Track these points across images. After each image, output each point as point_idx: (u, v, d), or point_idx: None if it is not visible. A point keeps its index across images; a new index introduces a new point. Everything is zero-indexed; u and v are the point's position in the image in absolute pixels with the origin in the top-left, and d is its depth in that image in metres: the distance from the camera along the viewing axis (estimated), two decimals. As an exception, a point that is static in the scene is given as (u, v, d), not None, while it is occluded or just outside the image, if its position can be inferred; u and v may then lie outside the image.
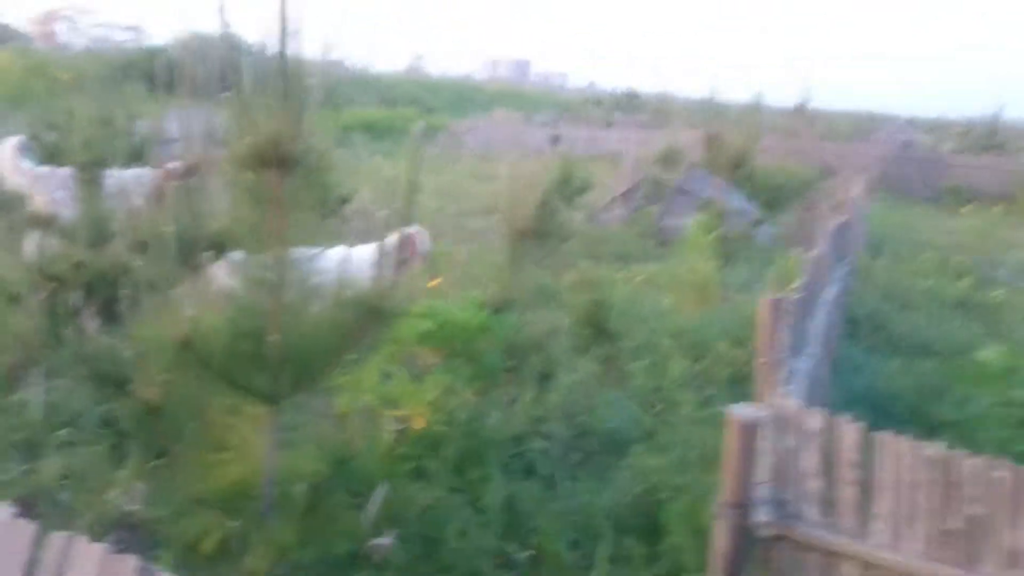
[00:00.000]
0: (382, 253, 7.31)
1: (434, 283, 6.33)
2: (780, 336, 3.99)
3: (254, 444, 3.34)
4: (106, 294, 6.96)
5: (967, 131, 39.57)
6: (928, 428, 5.64)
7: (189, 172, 5.46)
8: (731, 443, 2.51)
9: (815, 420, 2.55)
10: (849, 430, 2.47)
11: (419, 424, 4.17)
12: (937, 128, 46.43)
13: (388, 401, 4.29)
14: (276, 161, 3.19)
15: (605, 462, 5.11)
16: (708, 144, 12.54)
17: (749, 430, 2.48)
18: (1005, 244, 15.01)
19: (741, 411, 2.52)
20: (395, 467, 4.05)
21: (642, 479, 4.42)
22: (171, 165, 11.02)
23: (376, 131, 27.37)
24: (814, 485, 2.56)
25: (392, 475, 4.06)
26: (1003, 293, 10.27)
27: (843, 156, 23.11)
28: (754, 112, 14.43)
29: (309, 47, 3.19)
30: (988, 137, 29.36)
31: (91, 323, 6.00)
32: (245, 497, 3.31)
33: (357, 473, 3.67)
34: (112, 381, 5.30)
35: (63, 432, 4.99)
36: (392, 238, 7.45)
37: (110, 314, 6.60)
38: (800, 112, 26.79)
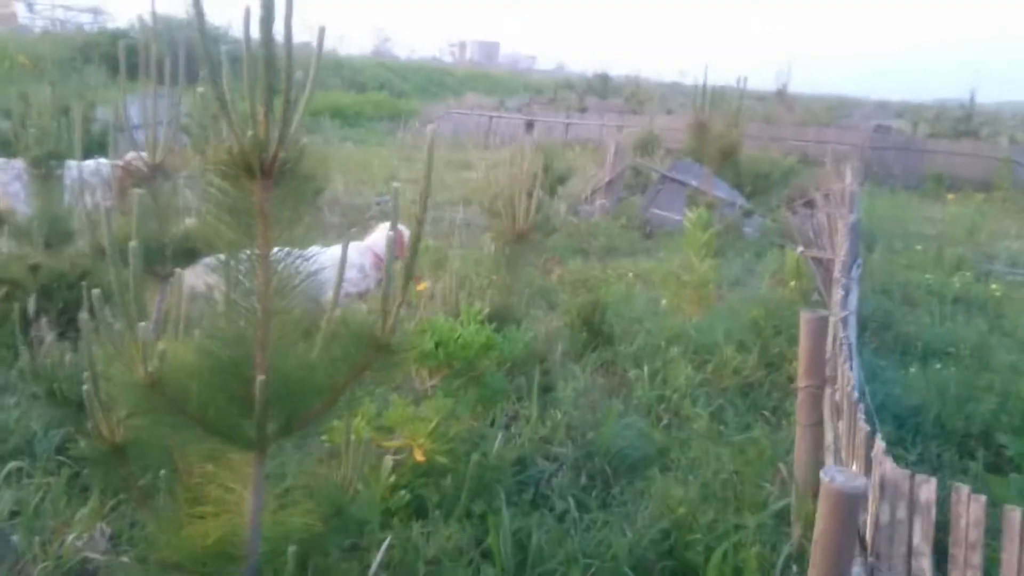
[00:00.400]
0: (371, 254, 6.85)
1: (421, 287, 5.86)
2: (822, 358, 3.58)
3: (237, 497, 2.86)
4: (65, 299, 6.43)
5: (938, 115, 39.66)
6: (960, 445, 5.29)
7: (155, 170, 4.94)
8: (826, 517, 2.10)
9: (927, 490, 2.14)
10: (972, 504, 2.05)
11: (419, 457, 3.72)
12: (907, 112, 46.49)
13: (383, 430, 3.84)
14: (261, 170, 2.70)
15: (616, 487, 4.70)
16: (695, 132, 12.13)
17: (850, 503, 2.06)
18: (993, 234, 14.80)
19: (838, 478, 2.10)
20: (394, 508, 3.61)
21: (664, 512, 3.99)
22: (131, 156, 10.42)
23: (345, 116, 26.75)
24: (924, 565, 2.15)
25: (391, 516, 3.62)
26: (1001, 286, 9.97)
27: (822, 142, 22.86)
28: (738, 98, 14.00)
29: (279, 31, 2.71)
30: (964, 122, 29.23)
31: (48, 332, 5.46)
32: (226, 558, 2.84)
33: (354, 521, 3.22)
34: (72, 401, 4.79)
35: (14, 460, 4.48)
36: (378, 236, 7.01)
37: (69, 322, 6.08)
38: (780, 97, 26.47)
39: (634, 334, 7.10)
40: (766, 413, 5.75)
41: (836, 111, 37.14)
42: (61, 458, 4.53)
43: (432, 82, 42.01)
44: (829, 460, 2.95)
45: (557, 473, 4.73)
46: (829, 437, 3.17)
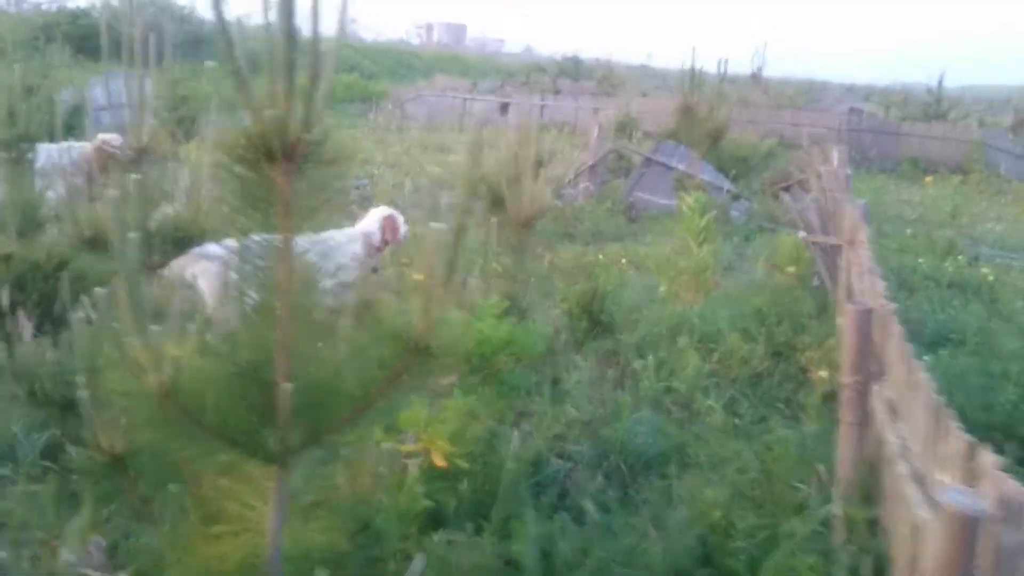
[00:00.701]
0: (363, 240, 6.56)
1: (421, 276, 5.58)
2: (868, 352, 3.38)
3: (257, 513, 2.60)
4: (40, 291, 6.08)
5: (905, 98, 39.84)
6: (985, 438, 5.12)
7: (140, 154, 4.61)
8: (947, 544, 1.88)
9: (1060, 512, 1.93)
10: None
11: (439, 462, 3.48)
12: (873, 95, 46.62)
13: (394, 432, 3.58)
14: (284, 153, 2.42)
15: (635, 486, 4.49)
16: (682, 114, 11.91)
17: (973, 527, 1.85)
18: (974, 216, 14.79)
19: (959, 499, 1.88)
20: (410, 515, 3.36)
21: (696, 515, 3.76)
22: (105, 137, 10.03)
23: (316, 98, 26.17)
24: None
25: (407, 524, 3.38)
26: (991, 270, 9.88)
27: (797, 125, 22.80)
28: (719, 81, 13.80)
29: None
30: (934, 105, 29.28)
31: (26, 328, 5.12)
32: (245, 582, 2.58)
33: (379, 535, 2.97)
34: (55, 402, 4.48)
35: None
36: (370, 222, 6.72)
37: (44, 315, 5.74)
38: (755, 80, 26.30)
39: (634, 323, 6.89)
40: (780, 405, 5.56)
41: (807, 94, 37.17)
42: (47, 463, 4.23)
43: (401, 64, 41.47)
44: (900, 467, 2.74)
45: (572, 473, 4.51)
46: (891, 440, 2.96)
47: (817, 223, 8.39)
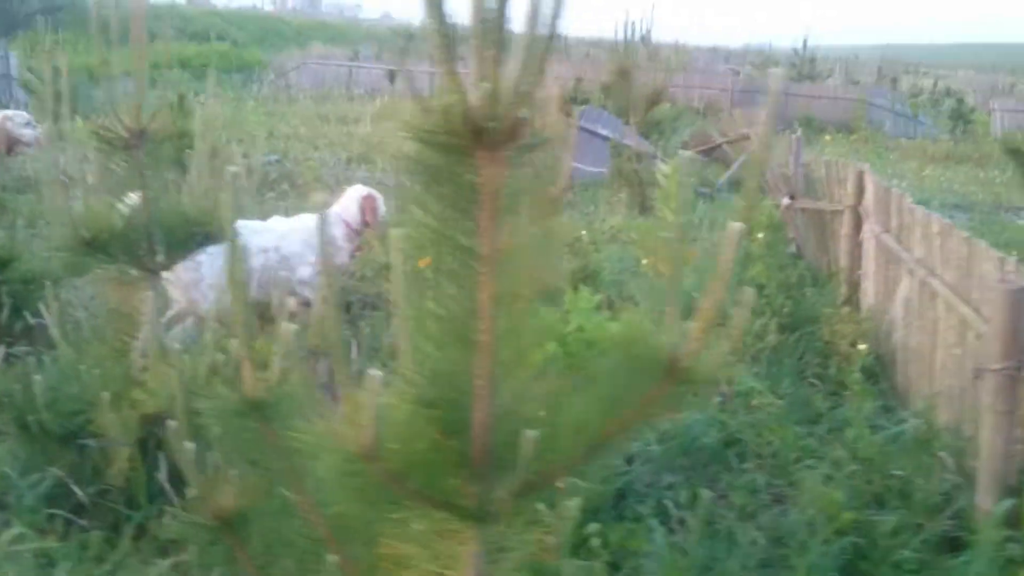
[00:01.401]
0: (338, 222, 5.95)
1: (424, 261, 5.06)
2: (1019, 335, 3.12)
3: (449, 582, 2.11)
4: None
5: (767, 59, 40.93)
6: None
7: (139, 137, 3.84)
8: None
9: None
10: None
11: (560, 483, 3.04)
12: (732, 57, 47.73)
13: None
14: (494, 137, 1.89)
15: (703, 482, 4.17)
16: (619, 79, 11.59)
17: None
18: (884, 175, 15.11)
19: None
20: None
21: (824, 519, 3.44)
22: (7, 113, 8.99)
23: (192, 68, 24.71)
24: None
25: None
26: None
27: (690, 88, 22.96)
28: (629, 45, 13.53)
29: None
30: (808, 65, 30.14)
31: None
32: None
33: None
34: (56, 435, 3.78)
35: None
36: (348, 202, 6.10)
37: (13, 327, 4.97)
38: (644, 44, 26.23)
39: (628, 299, 6.55)
40: (814, 382, 5.34)
41: (680, 56, 37.62)
42: (48, 510, 3.54)
43: (270, 32, 39.65)
44: None
45: (643, 472, 4.15)
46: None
47: (782, 188, 8.27)
